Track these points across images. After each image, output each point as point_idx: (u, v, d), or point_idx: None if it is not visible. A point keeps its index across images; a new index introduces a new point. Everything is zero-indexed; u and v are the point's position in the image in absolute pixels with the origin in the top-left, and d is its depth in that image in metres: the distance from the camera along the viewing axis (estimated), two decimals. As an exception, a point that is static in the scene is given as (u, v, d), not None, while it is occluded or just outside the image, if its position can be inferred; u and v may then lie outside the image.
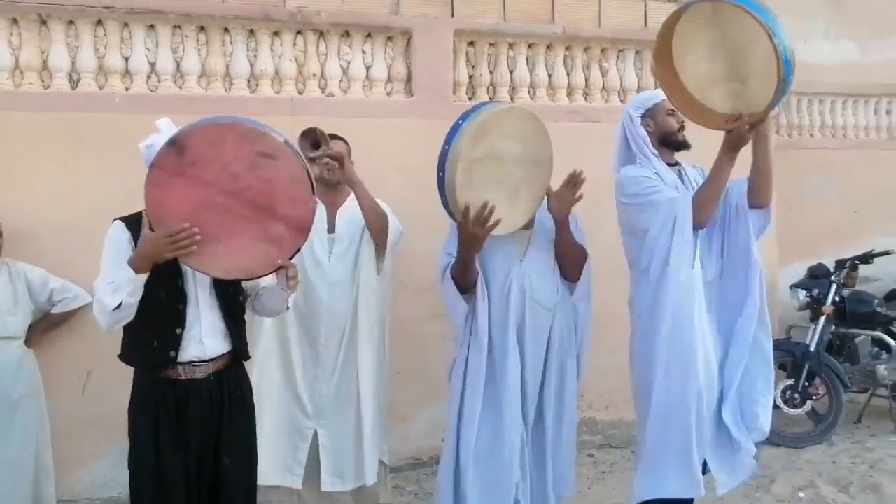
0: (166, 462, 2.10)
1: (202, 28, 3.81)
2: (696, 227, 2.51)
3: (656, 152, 2.67)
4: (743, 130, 2.37)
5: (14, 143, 3.48)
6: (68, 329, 3.51)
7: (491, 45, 4.33)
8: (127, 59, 3.71)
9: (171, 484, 2.10)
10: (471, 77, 4.30)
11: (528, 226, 2.62)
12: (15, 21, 3.56)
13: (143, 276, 2.00)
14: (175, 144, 1.93)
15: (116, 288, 2.00)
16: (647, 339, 2.58)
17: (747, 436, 2.56)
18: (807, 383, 4.44)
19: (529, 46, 4.39)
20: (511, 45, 4.36)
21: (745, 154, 2.55)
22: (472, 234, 2.36)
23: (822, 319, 4.57)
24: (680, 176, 2.71)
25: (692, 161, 2.80)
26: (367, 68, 4.09)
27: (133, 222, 2.13)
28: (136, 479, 2.14)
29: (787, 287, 5.03)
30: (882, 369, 4.63)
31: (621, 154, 2.77)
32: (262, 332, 2.81)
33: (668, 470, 2.51)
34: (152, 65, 3.75)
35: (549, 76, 4.44)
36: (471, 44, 4.29)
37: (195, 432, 2.13)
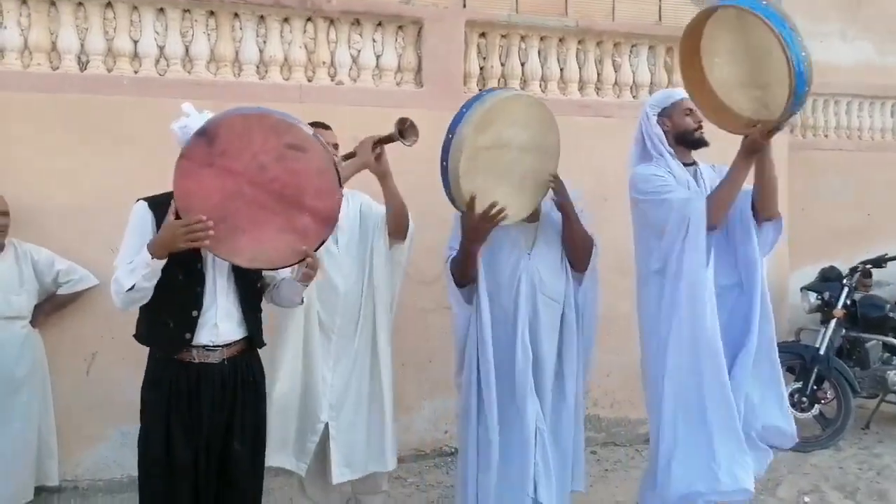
0: (176, 443, 2.10)
1: (212, 13, 3.79)
2: (709, 228, 2.48)
3: (672, 151, 2.65)
4: (757, 137, 2.35)
5: (21, 124, 3.48)
6: (74, 311, 3.51)
7: (503, 36, 4.29)
8: (136, 43, 3.69)
9: (179, 466, 2.10)
10: (482, 69, 4.26)
11: (534, 218, 2.58)
12: (24, 1, 3.56)
13: (160, 262, 2.00)
14: (206, 135, 1.92)
15: (133, 269, 2.00)
16: (658, 339, 2.55)
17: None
18: (815, 387, 4.38)
19: (542, 39, 4.35)
20: (523, 38, 4.32)
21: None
22: (476, 225, 2.32)
23: (833, 323, 4.52)
24: (695, 175, 2.68)
25: (713, 161, 2.76)
26: (378, 57, 4.06)
27: (157, 203, 2.11)
28: (145, 459, 2.14)
29: (797, 289, 4.98)
30: (892, 375, 4.56)
31: (638, 152, 2.75)
32: (291, 321, 2.78)
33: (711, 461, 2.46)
34: (161, 48, 3.74)
35: (561, 70, 4.39)
36: (482, 35, 4.26)
37: (206, 416, 2.13)
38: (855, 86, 5.96)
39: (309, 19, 3.93)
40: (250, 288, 2.24)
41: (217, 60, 3.81)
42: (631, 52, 4.54)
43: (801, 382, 4.41)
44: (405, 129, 2.57)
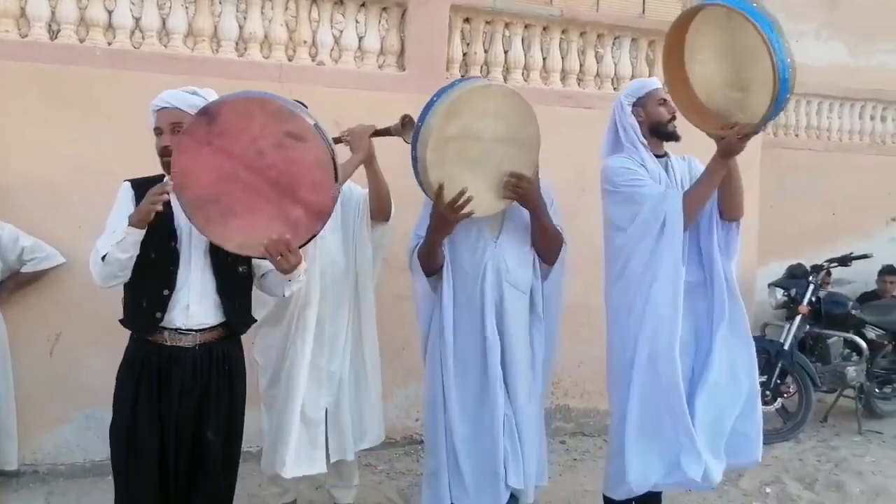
0: (140, 425, 2.08)
1: (191, -15, 3.68)
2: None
3: (645, 142, 2.64)
4: (734, 141, 2.34)
5: (-14, 92, 3.34)
6: (38, 289, 3.41)
7: (487, 23, 4.25)
8: (110, 13, 3.57)
9: (145, 449, 2.07)
10: (465, 54, 4.22)
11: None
12: (-7, -35, 3.41)
13: (136, 232, 1.98)
14: (207, 114, 1.91)
15: (109, 239, 2.02)
16: (626, 332, 2.57)
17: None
18: (779, 381, 4.50)
19: (526, 27, 4.33)
20: (507, 25, 4.29)
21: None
22: (444, 214, 2.29)
23: (798, 319, 4.63)
24: (666, 168, 2.68)
25: (682, 153, 2.78)
26: (360, 39, 3.99)
27: (140, 185, 2.10)
28: (113, 442, 2.13)
29: (764, 285, 5.08)
30: (852, 371, 4.71)
31: (610, 141, 2.74)
32: (285, 310, 2.73)
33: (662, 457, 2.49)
34: (137, 20, 3.61)
35: (544, 59, 4.38)
36: (466, 20, 4.21)
37: (175, 400, 2.10)
38: (827, 87, 6.07)
39: (291, -4, 3.84)
40: (231, 273, 2.18)
41: (195, 35, 3.70)
42: (614, 43, 4.55)
43: (765, 376, 4.50)
44: (405, 125, 2.57)
